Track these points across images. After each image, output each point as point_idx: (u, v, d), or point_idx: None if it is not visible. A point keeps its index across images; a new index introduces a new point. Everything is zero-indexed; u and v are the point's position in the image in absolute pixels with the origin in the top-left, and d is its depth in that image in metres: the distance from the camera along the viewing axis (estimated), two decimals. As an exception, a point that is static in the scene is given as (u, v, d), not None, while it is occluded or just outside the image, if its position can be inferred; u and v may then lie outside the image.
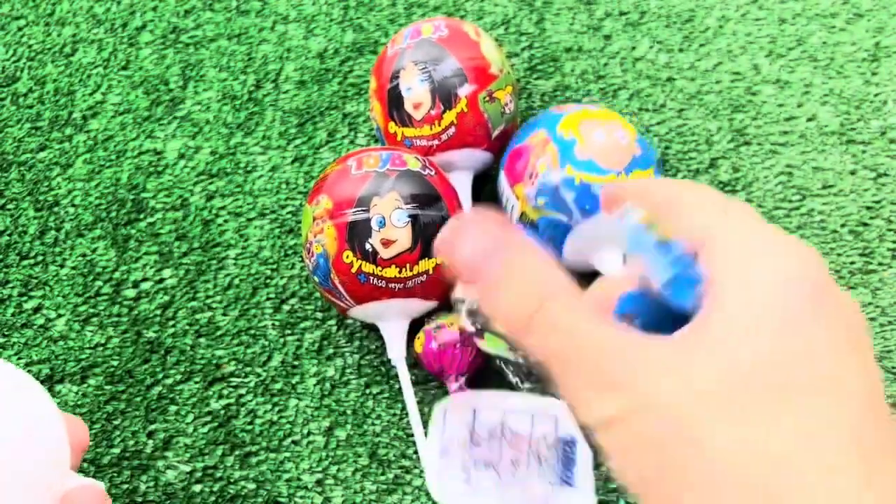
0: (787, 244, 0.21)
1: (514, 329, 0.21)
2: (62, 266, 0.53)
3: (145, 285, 0.52)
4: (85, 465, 0.46)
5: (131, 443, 0.47)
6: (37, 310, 0.52)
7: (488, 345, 0.41)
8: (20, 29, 0.63)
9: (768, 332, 0.19)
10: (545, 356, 0.21)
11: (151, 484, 0.46)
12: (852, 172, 0.55)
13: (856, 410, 0.19)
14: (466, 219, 0.23)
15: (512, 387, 0.46)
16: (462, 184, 0.51)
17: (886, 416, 0.20)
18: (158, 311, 0.51)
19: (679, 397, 0.19)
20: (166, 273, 0.52)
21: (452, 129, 0.49)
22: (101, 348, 0.50)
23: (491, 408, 0.44)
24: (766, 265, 0.20)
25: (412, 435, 0.46)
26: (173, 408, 0.48)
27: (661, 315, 0.23)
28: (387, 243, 0.43)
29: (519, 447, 0.43)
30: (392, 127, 0.50)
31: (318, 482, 0.45)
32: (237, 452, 0.46)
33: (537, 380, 0.45)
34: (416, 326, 0.47)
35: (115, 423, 0.48)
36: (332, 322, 0.50)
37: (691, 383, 0.19)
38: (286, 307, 0.51)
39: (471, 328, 0.41)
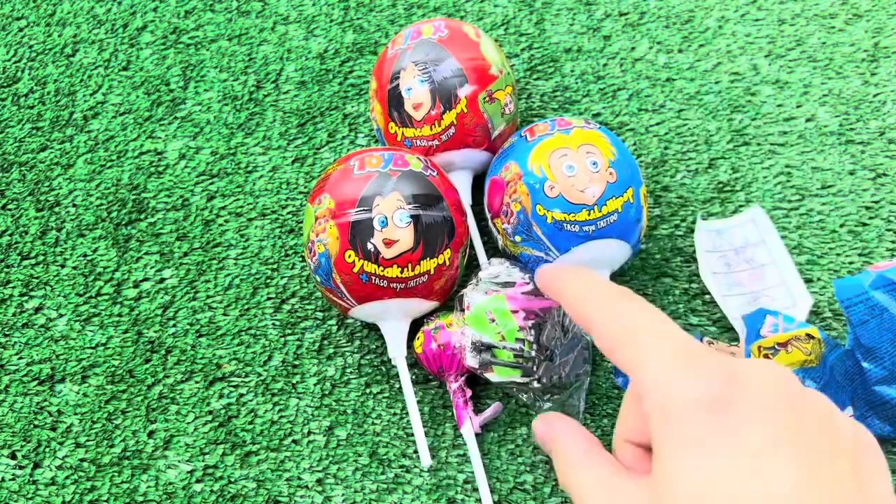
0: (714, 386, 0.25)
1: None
2: (63, 266, 0.53)
3: (146, 285, 0.52)
4: (85, 464, 0.46)
5: (132, 442, 0.47)
6: (38, 309, 0.52)
7: (499, 375, 0.41)
8: (21, 29, 0.63)
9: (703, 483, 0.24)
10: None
11: (152, 483, 0.46)
12: (851, 172, 0.55)
13: None
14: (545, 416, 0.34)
15: (528, 407, 0.47)
16: (462, 184, 0.51)
17: None
18: (159, 311, 0.51)
19: None
20: (167, 273, 0.53)
21: (452, 130, 0.49)
22: (101, 348, 0.50)
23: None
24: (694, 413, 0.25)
25: (412, 434, 0.47)
26: (174, 407, 0.48)
27: None
28: (389, 243, 0.43)
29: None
30: (392, 127, 0.50)
31: (319, 481, 0.46)
32: (237, 452, 0.47)
33: (552, 398, 0.45)
34: (416, 326, 0.47)
35: (116, 422, 0.48)
36: (333, 322, 0.50)
37: None
38: (286, 307, 0.51)
39: (475, 364, 0.41)
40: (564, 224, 0.44)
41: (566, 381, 0.44)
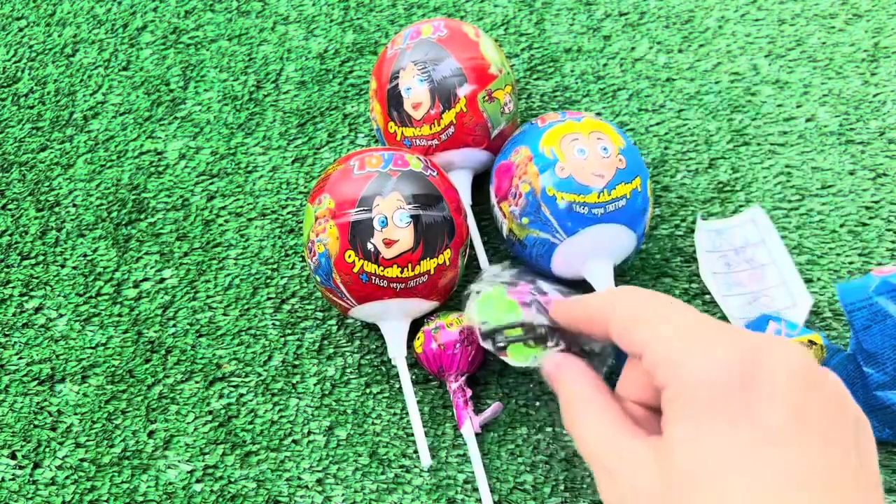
0: (719, 346, 0.26)
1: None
2: (63, 266, 0.53)
3: (146, 285, 0.52)
4: (85, 464, 0.46)
5: (132, 442, 0.47)
6: (38, 309, 0.52)
7: (513, 357, 0.40)
8: (21, 29, 0.63)
9: (709, 443, 0.25)
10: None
11: (152, 483, 0.46)
12: (851, 172, 0.55)
13: (782, 489, 0.23)
14: (555, 356, 0.35)
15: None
16: (462, 183, 0.51)
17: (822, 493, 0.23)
18: (159, 311, 0.51)
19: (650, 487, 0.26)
20: (167, 273, 0.53)
21: (452, 129, 0.49)
22: (101, 348, 0.50)
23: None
24: (700, 380, 0.25)
25: (412, 434, 0.47)
26: (174, 407, 0.48)
27: None
28: (389, 243, 0.43)
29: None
30: (392, 127, 0.50)
31: (319, 481, 0.46)
32: (237, 452, 0.47)
33: None
34: (416, 326, 0.47)
35: (116, 422, 0.48)
36: (333, 322, 0.50)
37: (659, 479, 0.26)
38: (286, 307, 0.51)
39: (491, 348, 0.40)
40: (573, 205, 0.44)
41: (587, 349, 0.43)
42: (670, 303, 0.28)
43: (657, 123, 0.57)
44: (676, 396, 0.25)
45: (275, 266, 0.53)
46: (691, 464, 0.24)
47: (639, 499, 0.26)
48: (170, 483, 0.46)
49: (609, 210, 0.44)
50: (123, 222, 0.55)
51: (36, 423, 0.48)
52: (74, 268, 0.53)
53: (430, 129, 0.49)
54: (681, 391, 0.25)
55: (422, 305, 0.46)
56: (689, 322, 0.27)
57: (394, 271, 0.43)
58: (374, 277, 0.44)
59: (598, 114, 0.58)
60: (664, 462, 0.25)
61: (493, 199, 0.48)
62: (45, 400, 0.49)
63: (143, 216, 0.55)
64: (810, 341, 0.44)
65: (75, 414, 0.48)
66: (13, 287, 0.53)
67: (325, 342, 0.50)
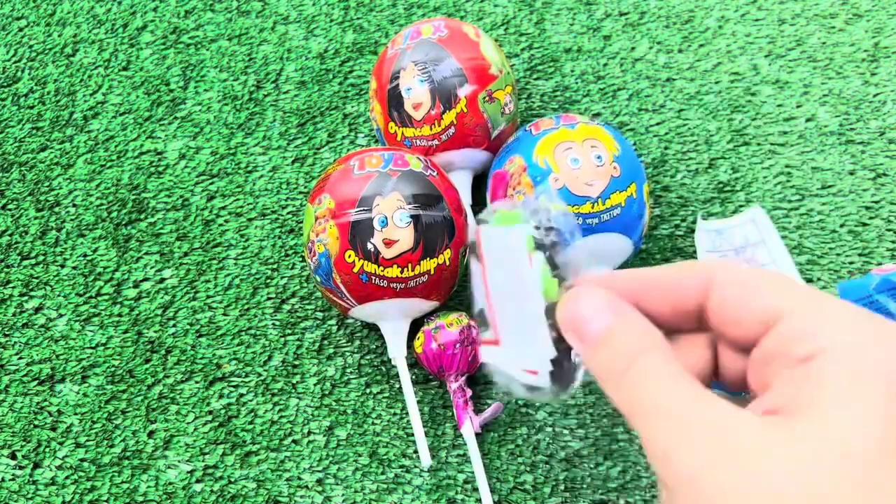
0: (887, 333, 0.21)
1: (608, 383, 0.23)
2: (63, 266, 0.53)
3: (146, 285, 0.52)
4: (85, 464, 0.46)
5: (132, 442, 0.47)
6: (38, 309, 0.52)
7: (544, 286, 0.33)
8: (21, 29, 0.63)
9: (871, 434, 0.20)
10: (631, 409, 0.22)
11: (152, 483, 0.46)
12: (851, 172, 0.55)
13: None
14: (578, 290, 0.25)
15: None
16: (462, 184, 0.51)
17: None
18: (159, 311, 0.51)
19: (758, 495, 0.19)
20: (167, 273, 0.53)
21: (452, 130, 0.49)
22: (101, 348, 0.50)
23: None
24: (870, 356, 0.21)
25: (412, 434, 0.47)
26: (174, 407, 0.48)
27: None
28: (389, 243, 0.43)
29: None
30: (392, 127, 0.50)
31: (319, 481, 0.46)
32: (238, 452, 0.47)
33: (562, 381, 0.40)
34: (416, 326, 0.47)
35: (116, 422, 0.48)
36: (333, 322, 0.50)
37: (775, 483, 0.20)
38: (286, 307, 0.51)
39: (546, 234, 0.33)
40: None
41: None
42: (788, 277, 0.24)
43: (657, 123, 0.57)
44: (839, 376, 0.21)
45: (275, 266, 0.53)
46: (849, 448, 0.20)
47: (751, 481, 0.20)
48: (170, 483, 0.46)
49: (604, 220, 0.45)
50: (123, 222, 0.55)
51: (36, 423, 0.48)
52: (74, 268, 0.53)
53: (431, 129, 0.49)
54: (849, 371, 0.21)
55: (422, 305, 0.46)
56: (842, 303, 0.23)
57: (394, 271, 0.43)
58: (374, 277, 0.44)
59: (598, 114, 0.58)
60: (809, 447, 0.20)
61: None
62: (45, 400, 0.49)
63: (143, 216, 0.55)
64: None
65: (75, 414, 0.48)
66: (13, 287, 0.53)
67: (325, 342, 0.50)
